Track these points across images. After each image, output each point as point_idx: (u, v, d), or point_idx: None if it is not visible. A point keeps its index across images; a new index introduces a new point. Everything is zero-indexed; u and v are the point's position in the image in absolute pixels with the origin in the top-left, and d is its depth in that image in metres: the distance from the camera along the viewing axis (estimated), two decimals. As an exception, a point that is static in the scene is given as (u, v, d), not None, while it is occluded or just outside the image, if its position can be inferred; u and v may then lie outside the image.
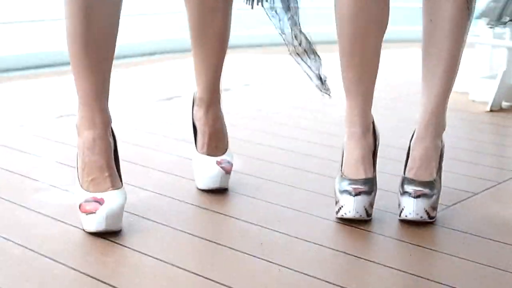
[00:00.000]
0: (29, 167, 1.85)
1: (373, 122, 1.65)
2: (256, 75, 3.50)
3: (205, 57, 1.71)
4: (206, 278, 1.26)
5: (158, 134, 2.20)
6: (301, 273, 1.30)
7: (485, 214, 1.63)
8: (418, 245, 1.44)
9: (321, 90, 1.62)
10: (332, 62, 1.64)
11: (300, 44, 1.58)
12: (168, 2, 4.22)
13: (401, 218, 1.55)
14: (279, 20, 1.58)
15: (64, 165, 1.85)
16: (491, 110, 2.76)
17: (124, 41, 3.71)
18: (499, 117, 2.69)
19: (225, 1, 1.66)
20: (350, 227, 1.52)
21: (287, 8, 1.58)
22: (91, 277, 1.26)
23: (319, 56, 1.60)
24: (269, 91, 3.08)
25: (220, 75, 1.74)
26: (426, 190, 1.54)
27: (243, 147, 2.07)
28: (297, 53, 1.59)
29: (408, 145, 1.64)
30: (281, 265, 1.32)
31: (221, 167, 1.67)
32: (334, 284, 1.26)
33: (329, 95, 1.62)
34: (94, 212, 1.40)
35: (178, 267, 1.30)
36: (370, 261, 1.37)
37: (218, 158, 1.69)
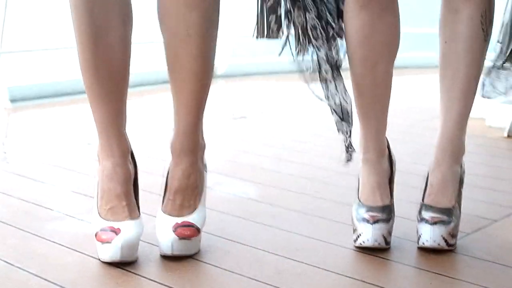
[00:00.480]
0: (44, 197, 1.84)
1: (388, 148, 1.64)
2: (271, 103, 3.50)
3: (179, 96, 1.49)
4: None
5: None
6: (320, 302, 1.28)
7: (506, 241, 1.61)
8: (438, 273, 1.42)
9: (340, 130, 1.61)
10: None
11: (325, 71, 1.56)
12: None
13: (419, 245, 1.52)
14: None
15: (79, 194, 1.84)
16: (508, 136, 2.74)
17: (142, 69, 3.74)
18: (516, 143, 2.67)
19: (198, 28, 1.44)
20: (369, 255, 1.50)
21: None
22: (107, 307, 1.24)
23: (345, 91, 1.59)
24: (285, 118, 3.07)
25: (198, 119, 1.51)
26: (444, 217, 1.52)
27: (259, 175, 2.05)
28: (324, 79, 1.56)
29: (426, 172, 1.63)
30: (299, 294, 1.31)
31: (175, 232, 1.44)
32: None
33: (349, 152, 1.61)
34: (110, 242, 1.39)
35: (194, 297, 1.29)
36: (390, 290, 1.35)
37: (179, 220, 1.46)
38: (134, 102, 3.28)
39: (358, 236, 1.52)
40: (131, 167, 1.51)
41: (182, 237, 1.45)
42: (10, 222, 1.64)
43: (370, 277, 1.40)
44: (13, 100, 3.12)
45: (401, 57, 1.61)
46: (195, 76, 1.47)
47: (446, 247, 1.50)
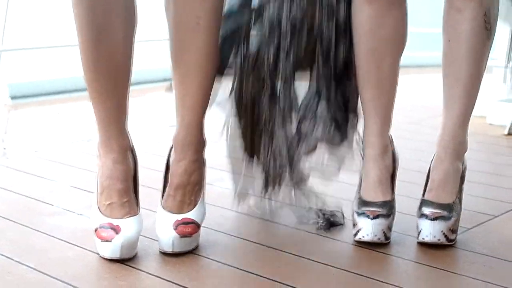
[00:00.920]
0: (44, 192, 1.84)
1: (392, 144, 1.63)
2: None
3: (184, 90, 1.48)
4: (222, 301, 1.25)
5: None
6: (320, 296, 1.28)
7: (505, 236, 1.61)
8: (438, 268, 1.41)
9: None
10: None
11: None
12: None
13: (419, 240, 1.52)
14: None
15: (79, 189, 1.84)
16: (509, 134, 2.74)
17: (147, 67, 3.72)
18: (517, 140, 2.67)
19: (208, 19, 1.43)
20: (369, 250, 1.50)
21: None
22: (106, 301, 1.24)
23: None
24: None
25: (202, 114, 1.50)
26: (444, 213, 1.51)
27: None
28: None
29: (428, 168, 1.62)
30: (298, 289, 1.31)
31: (176, 231, 1.43)
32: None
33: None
34: (110, 241, 1.38)
35: (194, 290, 1.29)
36: (389, 283, 1.34)
37: (179, 217, 1.45)
38: (137, 99, 3.28)
39: (358, 231, 1.51)
40: (131, 163, 1.50)
41: (182, 235, 1.44)
42: (10, 217, 1.64)
43: (370, 271, 1.40)
44: (13, 97, 3.12)
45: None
46: (201, 69, 1.46)
47: (446, 242, 1.50)
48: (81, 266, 1.38)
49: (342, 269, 1.40)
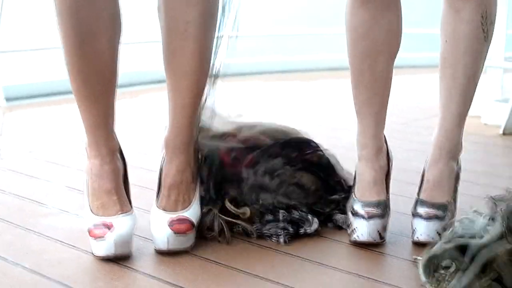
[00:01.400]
0: (39, 193, 1.84)
1: (386, 144, 1.64)
2: (267, 102, 3.50)
3: (175, 93, 1.50)
4: (218, 301, 1.25)
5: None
6: (315, 296, 1.28)
7: (500, 236, 1.61)
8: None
9: None
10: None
11: None
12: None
13: (413, 240, 1.53)
14: None
15: (74, 190, 1.84)
16: (504, 134, 2.74)
17: (136, 68, 3.72)
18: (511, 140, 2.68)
19: (197, 25, 1.44)
20: (364, 249, 1.50)
21: None
22: (101, 301, 1.24)
23: None
24: (280, 117, 3.06)
25: (194, 116, 1.52)
26: (439, 212, 1.52)
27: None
28: None
29: (423, 168, 1.62)
30: (293, 288, 1.31)
31: (171, 227, 1.44)
32: (348, 306, 1.24)
33: None
34: (103, 237, 1.39)
35: (189, 290, 1.29)
36: (384, 283, 1.35)
37: (174, 215, 1.46)
38: (130, 101, 3.28)
39: (353, 231, 1.52)
40: (119, 163, 1.50)
41: (177, 232, 1.44)
42: (5, 218, 1.64)
43: (365, 271, 1.40)
44: (8, 99, 3.11)
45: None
46: (191, 73, 1.47)
47: None
48: (77, 267, 1.39)
49: (337, 269, 1.41)
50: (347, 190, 1.66)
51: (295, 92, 3.88)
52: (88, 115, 1.46)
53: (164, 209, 1.49)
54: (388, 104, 1.61)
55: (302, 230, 1.57)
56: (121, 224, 1.41)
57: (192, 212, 1.49)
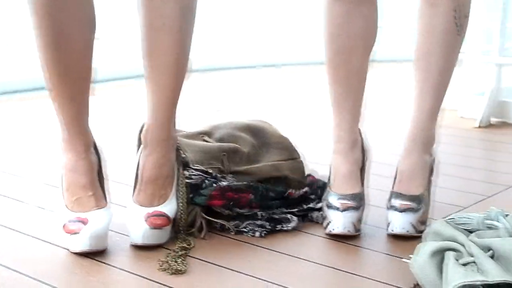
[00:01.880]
0: (15, 189, 1.84)
1: (361, 137, 1.65)
2: (246, 96, 3.50)
3: (154, 88, 1.50)
4: (192, 295, 1.25)
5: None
6: (290, 288, 1.29)
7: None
8: (407, 259, 1.42)
9: None
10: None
11: None
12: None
13: (388, 232, 1.54)
14: None
15: (51, 186, 1.84)
16: (479, 126, 2.77)
17: (116, 64, 3.70)
18: (487, 133, 2.70)
19: (174, 19, 1.44)
20: (340, 243, 1.51)
21: None
22: (77, 296, 1.24)
23: None
24: (258, 111, 3.07)
25: (172, 111, 1.52)
26: (413, 204, 1.53)
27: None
28: None
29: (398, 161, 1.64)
30: (268, 281, 1.31)
31: (148, 222, 1.44)
32: (322, 299, 1.25)
33: None
34: (78, 233, 1.39)
35: (163, 284, 1.29)
36: (359, 275, 1.36)
37: (150, 210, 1.46)
38: (109, 96, 3.28)
39: (329, 223, 1.53)
40: (94, 158, 1.50)
41: (153, 227, 1.44)
42: (-19, 215, 1.64)
43: (341, 264, 1.41)
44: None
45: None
46: (169, 68, 1.47)
47: (415, 234, 1.52)
48: (52, 263, 1.38)
49: (312, 262, 1.42)
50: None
51: (276, 85, 3.89)
52: (63, 112, 1.46)
53: (140, 204, 1.49)
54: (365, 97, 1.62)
55: (279, 227, 1.58)
56: (96, 219, 1.41)
57: (169, 207, 1.50)
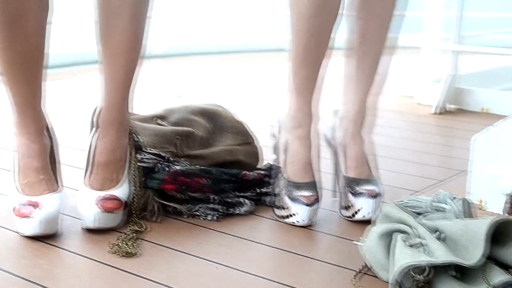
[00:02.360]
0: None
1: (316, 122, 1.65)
2: (207, 83, 3.49)
3: (108, 70, 1.49)
4: (143, 277, 1.25)
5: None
6: (240, 270, 1.29)
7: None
8: (357, 241, 1.44)
9: None
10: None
11: None
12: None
13: (357, 218, 1.54)
14: None
15: (3, 169, 1.82)
16: (435, 113, 2.80)
17: (74, 48, 3.67)
18: (444, 119, 2.73)
19: (132, 4, 1.44)
20: (292, 225, 1.52)
21: None
22: (25, 279, 1.23)
23: None
24: (219, 98, 3.07)
25: (126, 94, 1.51)
26: (378, 189, 1.55)
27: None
28: None
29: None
30: (219, 263, 1.31)
31: (99, 205, 1.43)
32: (272, 280, 1.25)
33: None
34: (29, 216, 1.38)
35: (114, 267, 1.28)
36: (310, 257, 1.36)
37: (102, 193, 1.46)
38: (68, 81, 3.25)
39: (291, 215, 1.52)
40: (46, 141, 1.49)
41: (105, 210, 1.44)
42: None
43: (292, 246, 1.41)
44: None
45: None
46: (123, 52, 1.47)
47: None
48: (1, 246, 1.37)
49: (264, 244, 1.42)
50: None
51: (235, 72, 3.89)
52: (16, 95, 1.45)
53: (92, 187, 1.48)
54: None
55: (232, 210, 1.58)
56: (48, 203, 1.40)
57: (121, 191, 1.49)
